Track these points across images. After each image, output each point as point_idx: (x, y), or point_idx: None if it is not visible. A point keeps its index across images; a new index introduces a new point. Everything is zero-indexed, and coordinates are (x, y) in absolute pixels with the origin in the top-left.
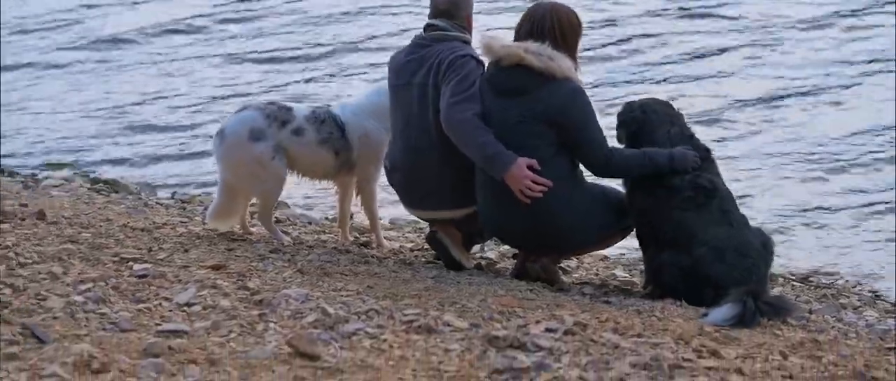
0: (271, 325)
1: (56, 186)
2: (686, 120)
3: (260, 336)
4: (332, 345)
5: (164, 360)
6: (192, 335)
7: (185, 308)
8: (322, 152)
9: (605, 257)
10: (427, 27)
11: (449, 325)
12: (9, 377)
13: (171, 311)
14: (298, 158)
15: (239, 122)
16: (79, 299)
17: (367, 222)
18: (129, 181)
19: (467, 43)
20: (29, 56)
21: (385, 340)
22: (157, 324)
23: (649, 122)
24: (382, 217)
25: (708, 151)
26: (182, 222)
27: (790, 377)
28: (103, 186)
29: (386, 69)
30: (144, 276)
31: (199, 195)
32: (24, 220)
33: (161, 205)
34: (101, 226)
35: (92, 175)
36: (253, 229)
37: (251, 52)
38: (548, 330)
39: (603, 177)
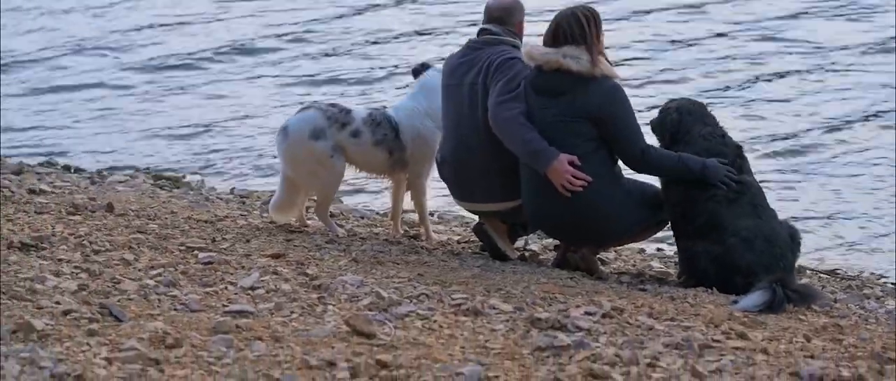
0: (330, 307)
1: (121, 182)
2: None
3: (319, 317)
4: (386, 325)
5: (233, 336)
6: (256, 315)
7: (250, 292)
8: (377, 152)
9: (642, 250)
10: (480, 32)
11: (494, 308)
12: (91, 351)
13: (236, 294)
14: (355, 157)
15: (301, 121)
16: (150, 282)
17: (416, 217)
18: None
19: (517, 47)
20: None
21: (435, 321)
22: (224, 305)
23: (684, 123)
24: (432, 211)
25: (739, 148)
26: (242, 214)
27: (812, 356)
28: (165, 182)
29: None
30: (210, 263)
31: (257, 191)
32: (94, 212)
33: (221, 199)
34: (166, 218)
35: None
36: (309, 222)
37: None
38: (587, 313)
39: (638, 172)
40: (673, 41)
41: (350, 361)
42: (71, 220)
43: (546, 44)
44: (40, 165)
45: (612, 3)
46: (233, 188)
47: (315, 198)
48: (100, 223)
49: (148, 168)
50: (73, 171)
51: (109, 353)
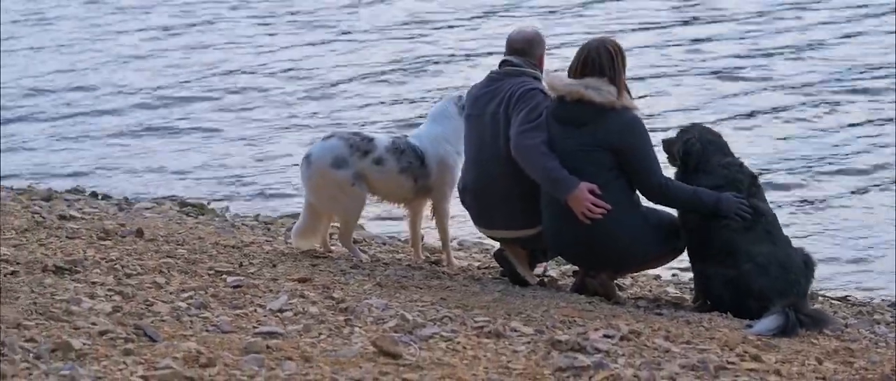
0: (356, 329)
1: (148, 209)
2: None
3: (346, 338)
4: (411, 346)
5: (264, 356)
6: (286, 336)
7: (278, 314)
8: (402, 180)
9: (658, 276)
10: (502, 63)
11: (516, 331)
12: (127, 369)
13: (265, 316)
14: (378, 184)
15: (324, 149)
16: (182, 304)
17: (436, 243)
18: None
19: (538, 78)
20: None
21: (459, 342)
22: (254, 327)
23: (707, 152)
24: (453, 238)
25: (755, 177)
26: (267, 240)
27: (823, 378)
28: (191, 209)
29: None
30: (239, 286)
31: (281, 218)
32: (124, 238)
33: (246, 226)
34: (194, 243)
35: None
36: (333, 248)
37: None
38: (605, 336)
39: (655, 202)
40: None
41: (378, 380)
42: (102, 245)
43: (574, 72)
44: (68, 191)
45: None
46: (257, 215)
47: (338, 225)
48: (130, 248)
49: (173, 197)
50: (100, 197)
51: (146, 371)
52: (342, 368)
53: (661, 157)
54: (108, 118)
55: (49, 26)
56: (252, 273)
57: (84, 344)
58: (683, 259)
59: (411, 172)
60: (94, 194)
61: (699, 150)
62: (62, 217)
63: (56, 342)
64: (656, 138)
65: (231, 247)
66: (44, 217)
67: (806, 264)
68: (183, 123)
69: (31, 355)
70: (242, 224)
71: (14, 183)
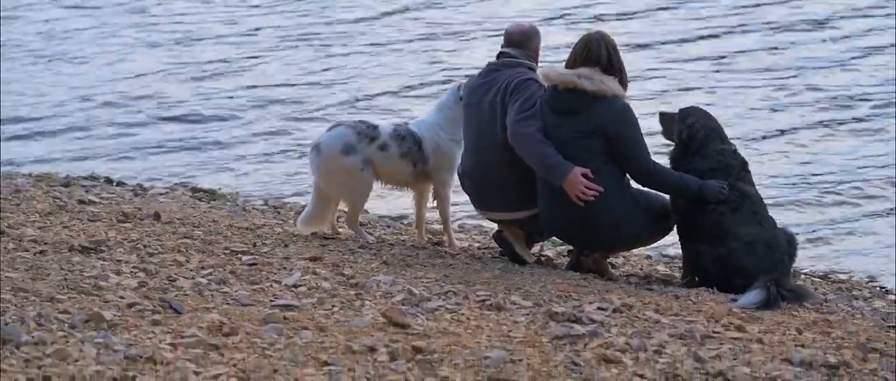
0: (367, 302)
1: (162, 194)
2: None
3: (358, 310)
4: (419, 317)
5: (282, 326)
6: (301, 308)
7: (293, 289)
8: (403, 164)
9: (649, 256)
10: (499, 54)
11: (515, 304)
12: (156, 337)
13: (281, 291)
14: (383, 169)
15: (333, 138)
16: (203, 281)
17: (438, 226)
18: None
19: (533, 70)
20: None
21: (462, 314)
22: (271, 300)
23: (708, 139)
24: (453, 221)
25: (745, 163)
26: (278, 223)
27: (802, 346)
28: (203, 194)
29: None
30: (254, 264)
31: (290, 202)
32: (143, 220)
33: (257, 210)
34: (209, 226)
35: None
36: (340, 230)
37: None
38: (599, 308)
39: (644, 185)
40: None
41: (389, 347)
42: (122, 227)
43: (577, 59)
44: (85, 178)
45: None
46: (267, 200)
47: (346, 209)
48: (149, 230)
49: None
50: (115, 183)
51: (173, 339)
52: (355, 336)
53: (656, 129)
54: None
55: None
56: (265, 253)
57: (114, 315)
58: (674, 238)
59: (411, 157)
60: (108, 180)
61: (703, 136)
62: (82, 202)
63: (89, 314)
64: (647, 123)
65: (244, 229)
66: (65, 201)
67: (789, 243)
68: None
69: (66, 325)
70: (253, 208)
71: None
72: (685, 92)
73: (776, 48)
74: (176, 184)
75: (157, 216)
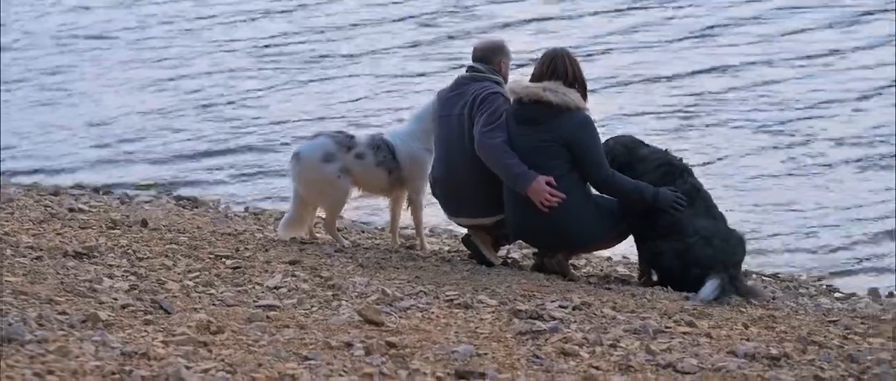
0: (343, 302)
1: (147, 202)
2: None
3: (335, 310)
4: (392, 315)
5: (266, 324)
6: (282, 308)
7: (274, 290)
8: (379, 172)
9: (609, 257)
10: (468, 69)
11: (482, 302)
12: (149, 336)
13: (263, 292)
14: (359, 177)
15: (313, 147)
16: (190, 283)
17: (410, 231)
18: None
19: (499, 83)
20: None
21: (433, 312)
22: (254, 301)
23: (628, 150)
24: (425, 228)
25: (682, 161)
26: (259, 229)
27: (747, 340)
28: (186, 202)
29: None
30: (238, 267)
31: (269, 209)
32: (131, 227)
33: (238, 216)
34: (194, 232)
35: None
36: (317, 235)
37: None
38: (560, 306)
39: (602, 193)
40: None
41: (364, 342)
42: (112, 233)
43: (542, 73)
44: (72, 187)
45: None
46: (247, 207)
47: (323, 215)
48: (137, 236)
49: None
50: (102, 192)
51: (165, 337)
52: (333, 333)
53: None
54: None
55: None
56: (248, 257)
57: (109, 316)
58: (631, 244)
59: (386, 166)
60: (95, 190)
61: (622, 149)
62: (72, 210)
63: (86, 314)
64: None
65: (227, 235)
66: (56, 210)
67: (740, 239)
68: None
69: (66, 325)
70: (235, 215)
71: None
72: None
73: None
74: (160, 192)
75: (144, 223)
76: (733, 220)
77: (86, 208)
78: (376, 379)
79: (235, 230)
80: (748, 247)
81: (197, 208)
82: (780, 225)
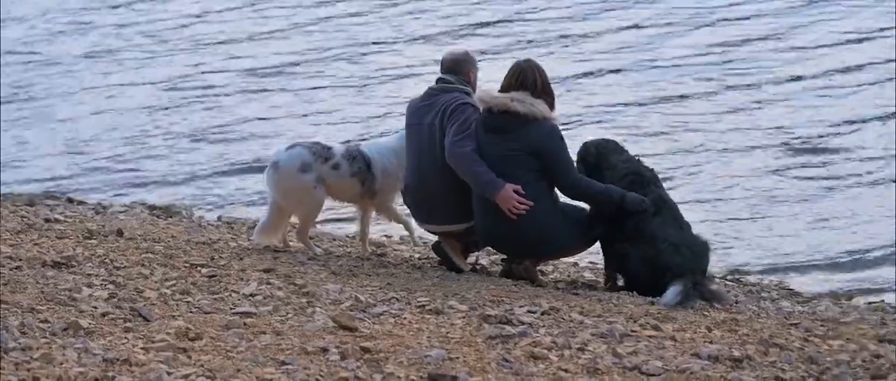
0: (318, 309)
1: (122, 212)
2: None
3: (310, 316)
4: (365, 321)
5: (243, 331)
6: (259, 315)
7: (250, 298)
8: (354, 182)
9: (576, 263)
10: (438, 80)
11: (453, 308)
12: (130, 343)
13: (239, 300)
14: (334, 186)
15: (291, 156)
16: (167, 291)
17: (380, 239)
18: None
19: (468, 94)
20: None
21: (405, 318)
22: (231, 308)
23: (602, 155)
24: (393, 236)
25: (653, 170)
26: (232, 238)
27: (711, 342)
28: (159, 212)
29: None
30: (213, 276)
31: (242, 218)
32: (107, 237)
33: (212, 225)
34: (169, 241)
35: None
36: (291, 243)
37: None
38: (529, 311)
39: (571, 198)
40: None
41: (339, 348)
42: (88, 243)
43: (510, 84)
44: (46, 197)
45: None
46: (220, 216)
47: (297, 223)
48: (113, 246)
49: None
50: (76, 203)
51: (145, 344)
52: (308, 339)
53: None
54: None
55: None
56: (223, 265)
57: (90, 324)
58: (598, 248)
59: (360, 176)
60: (70, 200)
61: (594, 153)
62: (48, 220)
63: (67, 322)
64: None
65: (201, 243)
66: (33, 220)
67: (705, 245)
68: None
69: (48, 332)
70: (208, 224)
71: None
72: None
73: None
74: (133, 201)
75: (119, 233)
76: (699, 226)
77: (61, 218)
78: None
79: (210, 239)
80: (712, 251)
81: (170, 217)
82: (743, 231)
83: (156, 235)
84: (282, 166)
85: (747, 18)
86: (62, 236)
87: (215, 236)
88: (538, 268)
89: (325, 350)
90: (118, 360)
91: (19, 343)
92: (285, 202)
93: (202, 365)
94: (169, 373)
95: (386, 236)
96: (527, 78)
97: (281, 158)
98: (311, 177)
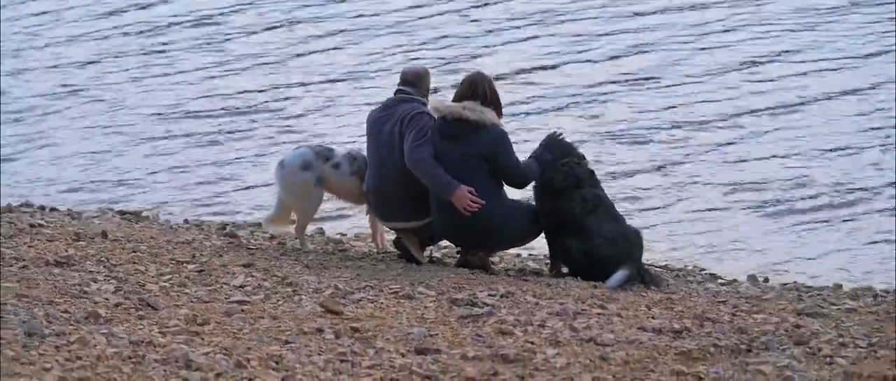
0: (303, 296)
1: (95, 217)
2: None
3: (298, 303)
4: (349, 306)
5: (244, 315)
6: (253, 303)
7: (241, 288)
8: (353, 181)
9: (519, 254)
10: (397, 91)
11: (423, 293)
12: (146, 328)
13: (231, 290)
14: (335, 185)
15: (295, 156)
16: (166, 284)
17: (337, 236)
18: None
19: (424, 105)
20: None
21: (382, 303)
22: (226, 298)
23: (554, 158)
24: (347, 234)
25: (592, 172)
26: (205, 237)
27: (653, 318)
28: (130, 216)
29: None
30: (202, 271)
31: (208, 220)
32: (93, 238)
33: (182, 227)
34: (150, 241)
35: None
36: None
37: None
38: (490, 295)
39: (519, 188)
40: None
41: (332, 328)
42: (78, 245)
43: (462, 94)
44: (21, 205)
45: None
46: (186, 219)
47: (296, 217)
48: (101, 246)
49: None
50: (49, 209)
51: (161, 329)
52: (303, 322)
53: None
54: None
55: None
56: (206, 262)
57: (107, 312)
58: (541, 241)
59: (359, 175)
60: (42, 207)
61: (549, 157)
62: (33, 226)
63: (87, 312)
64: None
65: (181, 243)
66: (21, 226)
67: (637, 236)
68: None
69: (72, 321)
70: (178, 226)
71: None
72: None
73: None
74: (103, 207)
75: (104, 235)
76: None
77: (44, 223)
78: (350, 357)
79: (186, 239)
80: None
81: (140, 221)
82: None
83: (136, 236)
84: (286, 164)
85: None
86: (52, 239)
87: (190, 237)
88: (490, 258)
89: (320, 330)
90: (142, 342)
91: (53, 329)
92: (288, 197)
93: (216, 345)
94: (192, 351)
95: (340, 234)
96: (478, 89)
97: (287, 157)
98: (311, 175)
